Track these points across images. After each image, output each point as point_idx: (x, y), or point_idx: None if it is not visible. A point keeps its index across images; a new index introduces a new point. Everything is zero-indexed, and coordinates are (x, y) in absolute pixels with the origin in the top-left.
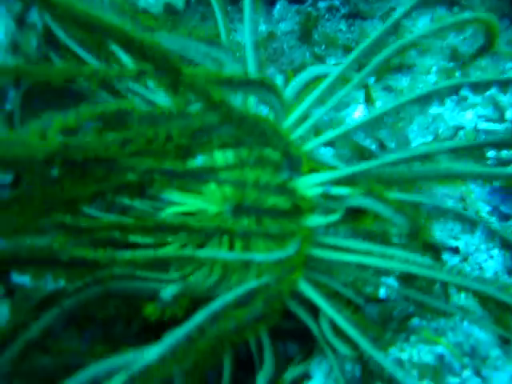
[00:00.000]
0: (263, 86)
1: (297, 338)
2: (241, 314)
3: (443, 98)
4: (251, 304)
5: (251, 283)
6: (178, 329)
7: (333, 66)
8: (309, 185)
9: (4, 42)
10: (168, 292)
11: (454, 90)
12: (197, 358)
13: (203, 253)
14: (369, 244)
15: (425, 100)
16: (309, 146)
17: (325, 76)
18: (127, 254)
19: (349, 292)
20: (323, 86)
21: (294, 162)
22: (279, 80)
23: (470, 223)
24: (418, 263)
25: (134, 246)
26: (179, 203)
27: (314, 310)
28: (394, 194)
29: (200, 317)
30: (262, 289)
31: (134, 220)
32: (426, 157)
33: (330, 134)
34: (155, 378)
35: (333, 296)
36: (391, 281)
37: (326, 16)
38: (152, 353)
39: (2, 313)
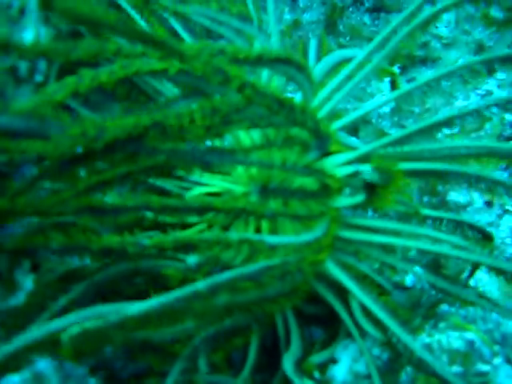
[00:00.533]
0: (292, 64)
1: (321, 323)
2: (251, 287)
3: (472, 75)
4: (266, 280)
5: (268, 261)
6: (173, 292)
7: (359, 50)
8: (336, 164)
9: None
10: (193, 258)
11: (485, 65)
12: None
13: (231, 235)
14: (398, 224)
15: (452, 77)
16: (333, 126)
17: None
18: (155, 239)
19: (377, 276)
20: (351, 66)
21: (323, 141)
22: (313, 44)
23: (503, 187)
24: (449, 243)
25: (160, 225)
26: (205, 184)
27: (341, 295)
28: (420, 164)
29: (200, 285)
30: (280, 266)
31: (160, 200)
32: (449, 123)
33: (352, 115)
34: (133, 332)
35: (362, 279)
36: (418, 269)
37: (350, 9)
38: (134, 308)
39: (27, 287)
